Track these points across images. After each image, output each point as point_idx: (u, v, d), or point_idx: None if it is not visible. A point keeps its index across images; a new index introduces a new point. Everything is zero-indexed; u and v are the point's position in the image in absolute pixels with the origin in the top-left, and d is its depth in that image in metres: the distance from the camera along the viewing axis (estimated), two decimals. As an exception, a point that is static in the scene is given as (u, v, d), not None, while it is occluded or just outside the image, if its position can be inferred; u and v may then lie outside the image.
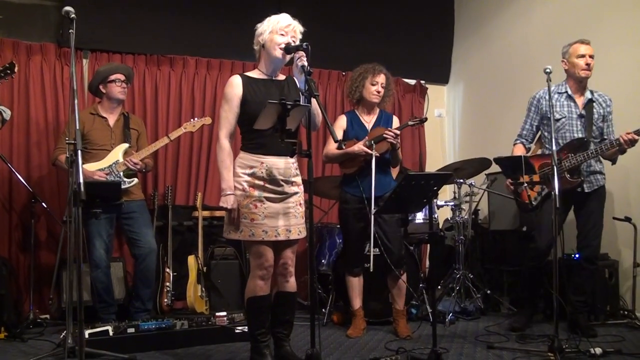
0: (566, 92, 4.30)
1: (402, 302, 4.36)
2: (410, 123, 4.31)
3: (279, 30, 3.23)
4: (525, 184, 4.05)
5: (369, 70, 4.35)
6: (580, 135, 4.19)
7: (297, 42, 3.26)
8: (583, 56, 4.18)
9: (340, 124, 4.42)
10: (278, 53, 3.24)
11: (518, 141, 4.50)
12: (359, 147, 4.18)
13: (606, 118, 4.29)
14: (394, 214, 4.22)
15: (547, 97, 4.30)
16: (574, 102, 4.27)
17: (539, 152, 4.45)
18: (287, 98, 2.97)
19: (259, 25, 3.32)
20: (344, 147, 4.26)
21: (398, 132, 4.17)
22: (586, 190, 4.19)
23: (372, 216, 4.01)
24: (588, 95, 4.28)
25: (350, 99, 4.52)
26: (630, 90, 4.76)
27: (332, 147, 4.31)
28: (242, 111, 3.25)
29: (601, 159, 4.26)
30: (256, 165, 3.21)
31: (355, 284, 4.38)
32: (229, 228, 3.26)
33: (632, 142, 3.93)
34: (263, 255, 3.22)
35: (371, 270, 4.01)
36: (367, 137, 4.24)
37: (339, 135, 4.36)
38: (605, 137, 4.27)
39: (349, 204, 4.30)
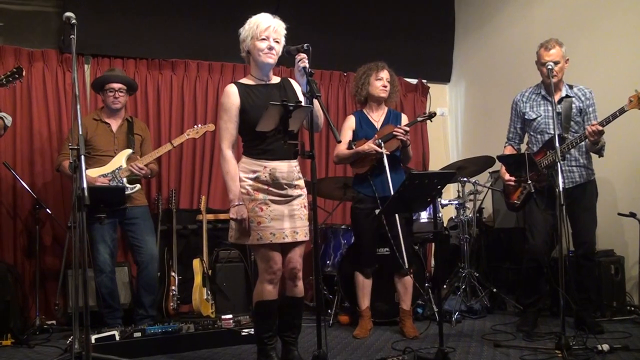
0: (541, 92, 4.30)
1: (409, 302, 4.35)
2: (419, 119, 4.32)
3: (259, 35, 3.18)
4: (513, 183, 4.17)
5: (371, 67, 4.36)
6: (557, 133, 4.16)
7: (281, 41, 3.23)
8: (545, 64, 4.11)
9: (349, 124, 4.42)
10: (264, 59, 3.20)
11: (507, 144, 4.53)
12: (369, 145, 4.17)
13: (585, 111, 4.22)
14: (399, 213, 4.21)
15: (524, 99, 4.39)
16: (549, 101, 4.25)
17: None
18: (281, 98, 2.96)
19: (241, 30, 3.28)
20: (354, 147, 4.27)
21: (407, 128, 4.16)
22: (567, 186, 4.11)
23: (388, 216, 3.99)
24: (564, 92, 4.25)
25: (357, 100, 4.52)
26: (630, 86, 4.73)
27: (342, 148, 4.31)
28: (242, 120, 3.22)
29: (591, 153, 4.23)
30: (259, 169, 3.19)
31: (365, 284, 4.36)
32: (237, 235, 3.24)
33: (597, 133, 3.85)
34: (271, 258, 3.20)
35: (396, 270, 4.06)
36: (376, 136, 4.23)
37: (349, 135, 4.36)
38: None
39: (362, 204, 4.29)
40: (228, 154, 3.21)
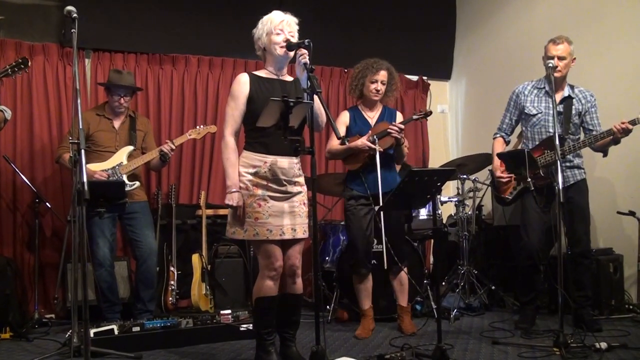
0: (544, 87, 4.30)
1: (405, 299, 4.34)
2: (414, 117, 4.27)
3: (274, 29, 3.23)
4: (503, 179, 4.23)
5: (368, 67, 4.27)
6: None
7: (295, 35, 3.26)
8: (552, 57, 4.10)
9: (343, 120, 4.37)
10: (280, 51, 3.24)
11: (498, 135, 4.52)
12: (362, 142, 4.12)
13: (588, 111, 4.22)
14: (398, 210, 4.20)
15: (525, 92, 4.38)
16: (552, 98, 4.24)
17: (520, 146, 4.45)
18: (290, 96, 2.96)
19: (254, 30, 3.33)
20: (347, 143, 4.24)
21: (402, 126, 4.12)
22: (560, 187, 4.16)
23: (382, 212, 3.95)
24: (566, 92, 4.26)
25: (351, 96, 4.49)
26: (632, 84, 4.75)
27: (335, 143, 4.25)
28: (248, 109, 3.25)
29: (580, 153, 4.23)
30: (259, 164, 3.21)
31: (363, 287, 4.30)
32: (233, 227, 3.25)
33: (625, 131, 3.86)
34: (272, 254, 3.21)
35: (385, 267, 4.03)
36: (370, 132, 4.21)
37: (342, 131, 4.31)
38: (592, 129, 4.22)
39: (354, 201, 4.27)
40: (230, 140, 3.25)
